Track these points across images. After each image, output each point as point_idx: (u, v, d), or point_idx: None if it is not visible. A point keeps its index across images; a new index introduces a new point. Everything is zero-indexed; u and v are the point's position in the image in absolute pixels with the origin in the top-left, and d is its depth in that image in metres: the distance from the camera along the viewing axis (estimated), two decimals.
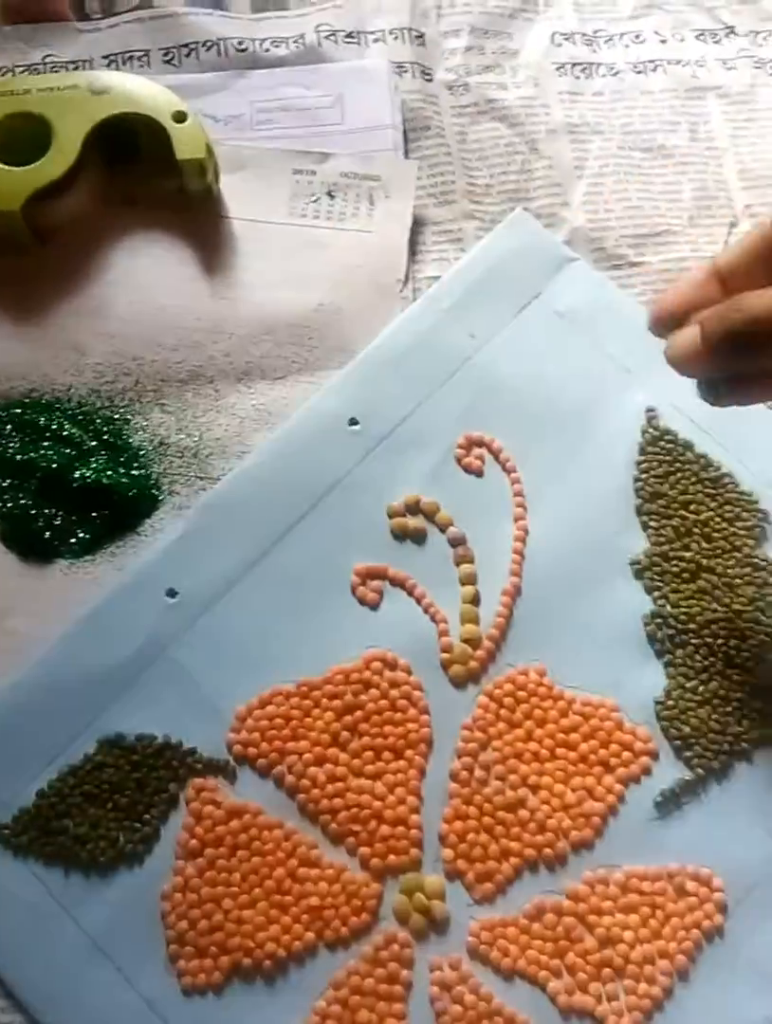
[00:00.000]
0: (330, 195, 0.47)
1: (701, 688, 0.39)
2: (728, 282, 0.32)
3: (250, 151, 0.48)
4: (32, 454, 0.42)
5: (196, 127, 0.44)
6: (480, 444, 0.43)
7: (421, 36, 0.51)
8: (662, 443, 0.43)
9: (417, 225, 0.47)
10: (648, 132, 0.50)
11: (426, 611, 0.40)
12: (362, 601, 0.41)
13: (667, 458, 0.43)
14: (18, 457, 0.42)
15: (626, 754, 0.39)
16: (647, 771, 0.38)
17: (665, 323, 0.33)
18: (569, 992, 0.36)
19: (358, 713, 0.39)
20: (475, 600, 0.41)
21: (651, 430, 0.44)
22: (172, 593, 0.40)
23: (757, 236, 0.31)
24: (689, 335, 0.31)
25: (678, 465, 0.43)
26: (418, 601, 0.41)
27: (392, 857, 0.37)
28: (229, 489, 0.42)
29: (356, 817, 0.37)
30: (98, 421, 0.43)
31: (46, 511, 0.42)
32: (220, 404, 0.44)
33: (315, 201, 0.47)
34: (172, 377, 0.44)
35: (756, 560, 0.42)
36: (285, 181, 0.47)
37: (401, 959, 0.36)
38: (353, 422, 0.43)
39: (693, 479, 0.43)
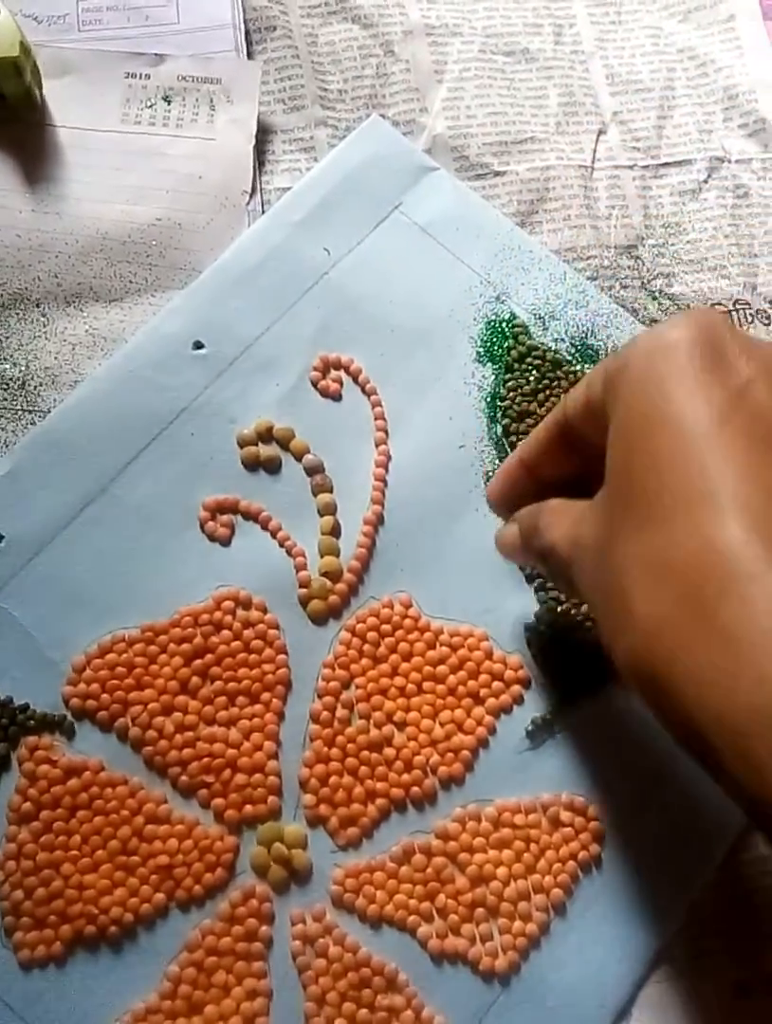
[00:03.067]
0: (166, 100, 0.43)
1: (573, 611, 0.38)
2: (534, 471, 0.33)
3: (76, 53, 0.43)
4: None
5: (8, 23, 0.40)
6: (337, 366, 0.40)
7: None
8: (530, 360, 0.41)
9: (265, 133, 0.43)
10: (511, 34, 0.47)
11: (281, 545, 0.38)
12: (211, 537, 0.37)
13: (535, 375, 0.41)
14: None
15: (497, 684, 0.37)
16: (519, 700, 0.37)
17: (497, 511, 0.36)
18: (440, 936, 0.34)
19: (208, 657, 0.36)
20: (334, 531, 0.38)
21: (518, 347, 0.41)
22: None
23: (550, 425, 0.32)
24: (512, 532, 0.33)
25: (546, 382, 0.41)
26: (273, 535, 0.38)
27: (248, 807, 0.34)
28: (60, 422, 0.38)
29: (208, 767, 0.35)
30: None
31: None
32: (48, 330, 0.40)
33: (150, 107, 0.43)
34: None
35: None
36: (116, 86, 0.43)
37: (260, 914, 0.33)
38: (198, 345, 0.39)
39: (562, 396, 0.41)
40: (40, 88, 0.42)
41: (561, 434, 0.31)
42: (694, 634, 0.23)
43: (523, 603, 0.38)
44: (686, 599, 0.23)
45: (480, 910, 0.34)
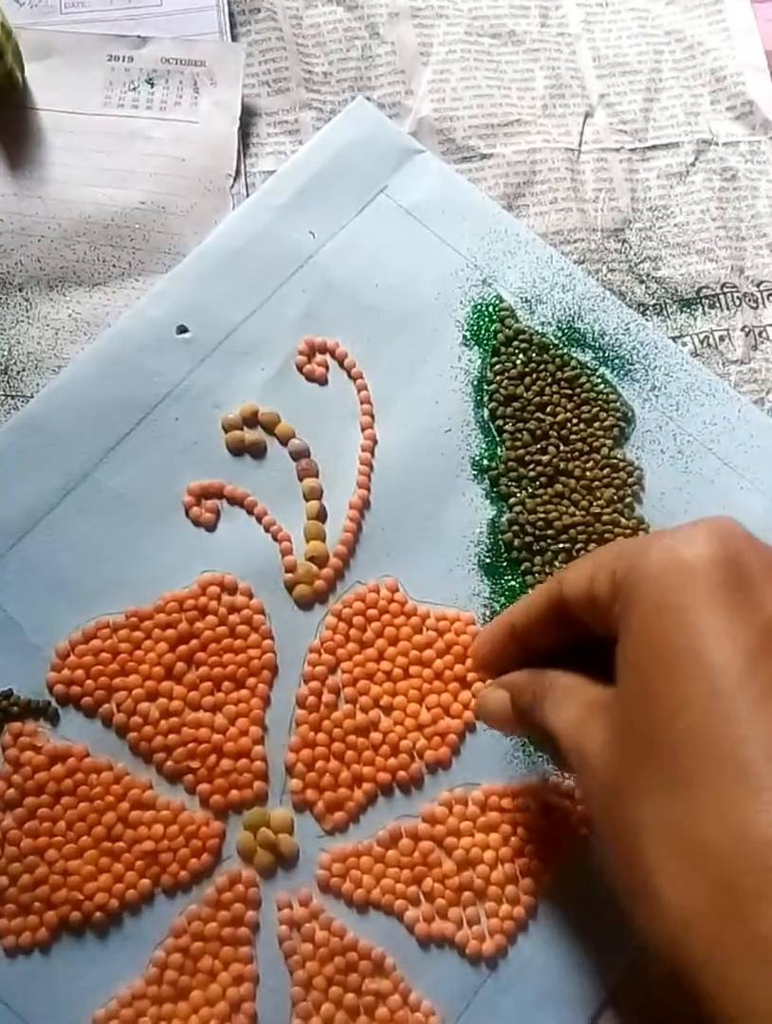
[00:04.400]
0: (150, 83, 0.42)
1: None
2: (523, 640, 0.31)
3: (58, 35, 0.43)
4: None
5: None
6: (322, 350, 0.40)
7: None
8: (516, 343, 0.41)
9: (249, 116, 0.43)
10: (497, 16, 0.47)
11: (267, 529, 0.37)
12: (196, 522, 0.37)
13: (521, 359, 0.41)
14: None
15: None
16: None
17: (480, 673, 0.35)
18: (427, 920, 0.34)
19: (194, 642, 0.36)
20: (320, 515, 0.38)
21: (505, 330, 0.41)
22: None
23: (544, 595, 0.30)
24: (499, 699, 0.31)
25: (533, 366, 0.41)
26: (258, 519, 0.37)
27: (234, 792, 0.34)
28: (43, 407, 0.38)
29: (194, 752, 0.34)
30: None
31: None
32: (31, 314, 0.39)
33: (133, 90, 0.42)
34: None
35: (615, 461, 0.40)
36: (99, 68, 0.42)
37: (246, 899, 0.33)
38: (182, 330, 0.39)
39: (549, 380, 0.41)
40: (22, 71, 0.42)
41: (555, 611, 0.29)
42: (731, 939, 0.20)
43: (510, 587, 0.38)
44: (721, 893, 0.21)
45: (467, 894, 0.34)
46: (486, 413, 0.40)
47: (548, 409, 0.40)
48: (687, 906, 0.21)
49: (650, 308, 0.43)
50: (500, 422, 0.40)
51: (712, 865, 0.21)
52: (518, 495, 0.39)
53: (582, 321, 0.42)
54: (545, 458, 0.39)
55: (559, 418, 0.40)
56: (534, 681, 0.30)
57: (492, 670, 0.33)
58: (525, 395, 0.40)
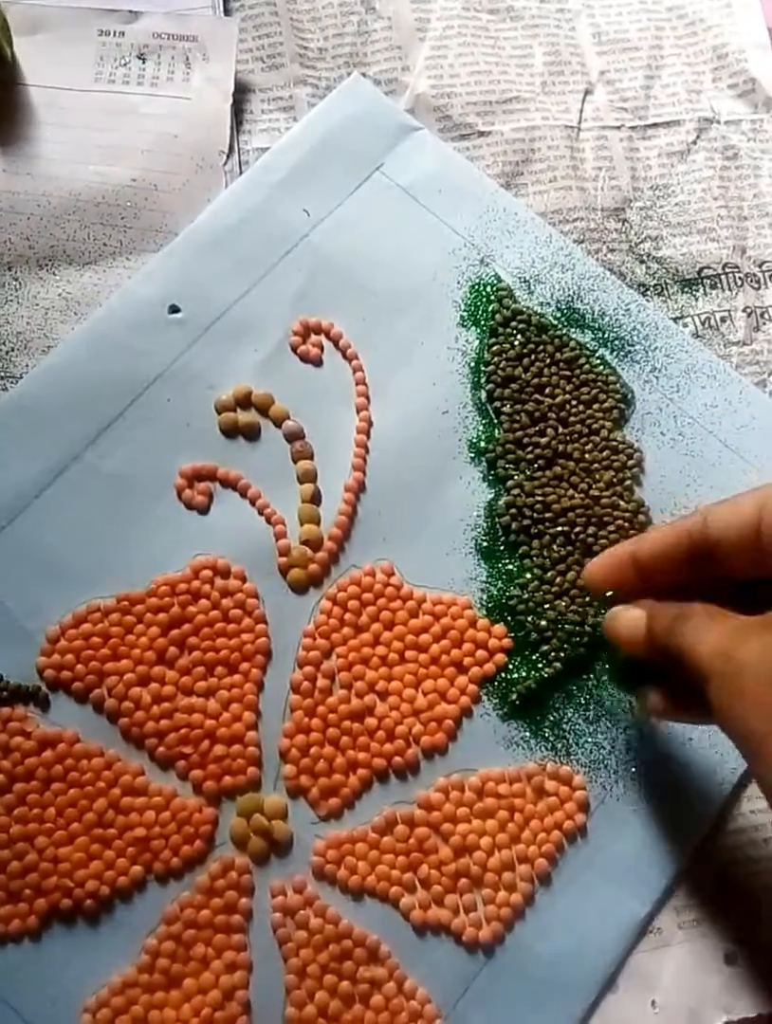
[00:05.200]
0: (141, 58, 0.42)
1: (558, 579, 0.37)
2: (645, 571, 0.32)
3: (48, 10, 0.42)
4: None
5: None
6: (317, 330, 0.39)
7: None
8: (514, 324, 0.40)
9: (243, 92, 0.42)
10: None
11: (260, 512, 0.37)
12: (189, 505, 0.37)
13: (520, 340, 0.40)
14: None
15: (480, 653, 0.36)
16: (503, 669, 0.36)
17: (592, 591, 0.34)
18: (423, 907, 0.33)
19: (186, 627, 0.35)
20: (315, 498, 0.37)
21: (503, 311, 0.40)
22: None
23: (682, 532, 0.30)
24: (634, 618, 0.31)
25: (531, 347, 0.40)
26: (252, 502, 0.37)
27: (227, 778, 0.34)
28: (32, 388, 0.37)
29: (186, 738, 0.34)
30: None
31: None
32: (20, 294, 0.39)
33: (124, 65, 0.41)
34: None
35: (615, 443, 0.39)
36: (90, 44, 0.42)
37: (239, 886, 0.33)
38: (174, 310, 0.38)
39: (547, 361, 0.40)
40: (10, 46, 0.41)
41: (694, 549, 0.30)
42: None
43: (508, 571, 0.37)
44: None
45: (463, 880, 0.33)
46: (484, 395, 0.39)
47: (547, 390, 0.39)
48: None
49: (651, 288, 0.43)
50: (498, 404, 0.39)
51: None
52: (516, 478, 0.38)
53: (581, 301, 0.41)
54: (543, 440, 0.39)
55: (558, 400, 0.39)
56: (674, 606, 0.30)
57: (604, 592, 0.33)
58: (523, 376, 0.39)
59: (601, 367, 0.40)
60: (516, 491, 0.38)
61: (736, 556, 0.29)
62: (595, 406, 0.40)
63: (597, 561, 0.34)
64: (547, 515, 0.38)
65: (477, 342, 0.40)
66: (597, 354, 0.40)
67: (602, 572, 0.33)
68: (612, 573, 0.33)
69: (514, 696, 0.35)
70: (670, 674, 0.30)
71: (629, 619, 0.31)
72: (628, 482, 0.38)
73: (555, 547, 0.37)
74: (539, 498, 0.38)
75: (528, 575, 0.37)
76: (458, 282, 0.41)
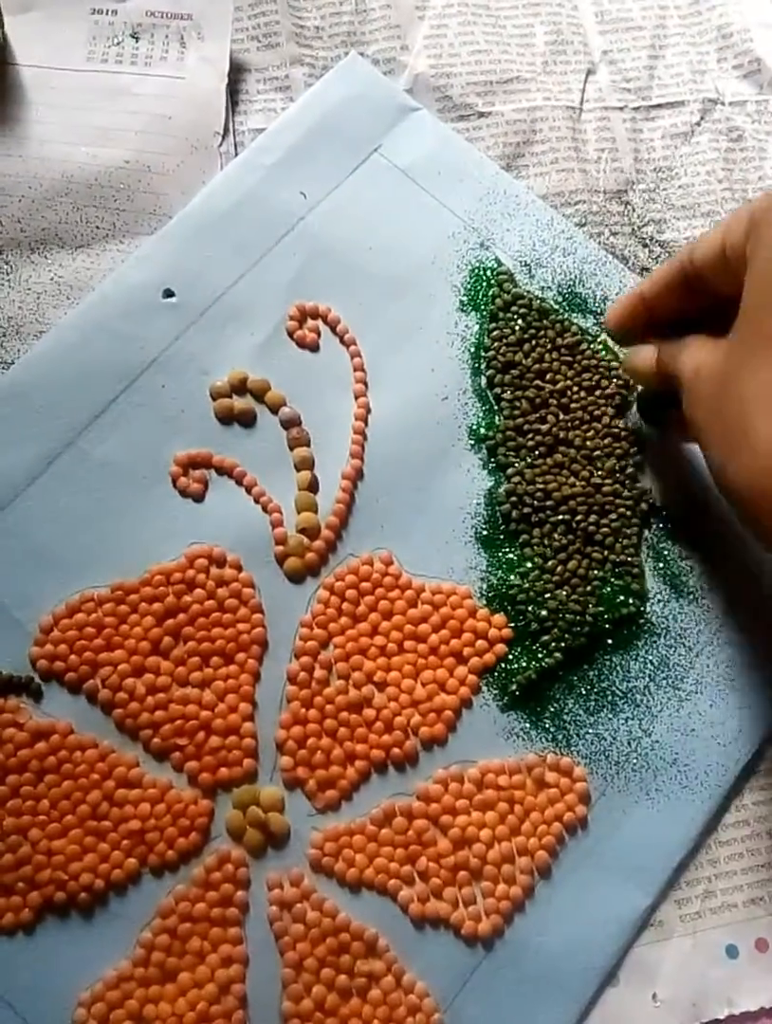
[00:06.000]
0: (134, 37, 0.41)
1: (559, 568, 0.36)
2: (650, 306, 0.35)
3: None
4: None
5: None
6: (314, 315, 0.39)
7: None
8: (515, 309, 0.39)
9: (238, 72, 0.42)
10: None
11: (257, 501, 0.36)
12: (184, 493, 0.36)
13: (520, 324, 0.39)
14: None
15: (480, 643, 0.35)
16: (503, 659, 0.35)
17: (612, 337, 0.39)
18: (422, 900, 0.33)
19: (181, 616, 0.34)
20: (312, 486, 0.37)
21: (503, 295, 0.40)
22: None
23: (675, 264, 0.34)
24: (647, 352, 0.35)
25: (532, 332, 0.39)
26: (247, 490, 0.36)
27: (223, 770, 0.33)
28: (25, 374, 0.36)
29: (181, 729, 0.33)
30: None
31: None
32: (12, 278, 0.38)
33: (117, 44, 0.41)
34: None
35: (617, 430, 0.38)
36: (82, 22, 0.41)
37: (235, 879, 0.32)
38: (168, 294, 0.38)
39: (549, 346, 0.39)
40: (1, 26, 0.40)
41: (682, 277, 0.34)
42: None
43: (508, 559, 0.36)
44: None
45: (463, 873, 0.33)
46: (484, 380, 0.39)
47: (548, 376, 0.39)
48: None
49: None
50: (498, 390, 0.38)
51: None
52: (516, 465, 0.37)
53: (583, 286, 0.40)
54: (544, 427, 0.38)
55: (559, 386, 0.39)
56: (675, 340, 0.34)
57: (621, 333, 0.37)
58: (524, 362, 0.39)
59: (603, 352, 0.40)
60: (517, 479, 0.37)
61: (713, 276, 0.32)
62: (597, 392, 0.39)
63: (613, 306, 0.37)
64: (548, 503, 0.37)
65: (477, 327, 0.39)
66: (599, 339, 0.40)
67: (618, 311, 0.36)
68: (626, 311, 0.36)
69: (514, 687, 0.35)
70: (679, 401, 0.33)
71: (643, 354, 0.36)
72: (630, 469, 0.38)
73: (556, 535, 0.37)
74: (540, 486, 0.37)
75: (528, 564, 0.36)
76: (458, 266, 0.40)
